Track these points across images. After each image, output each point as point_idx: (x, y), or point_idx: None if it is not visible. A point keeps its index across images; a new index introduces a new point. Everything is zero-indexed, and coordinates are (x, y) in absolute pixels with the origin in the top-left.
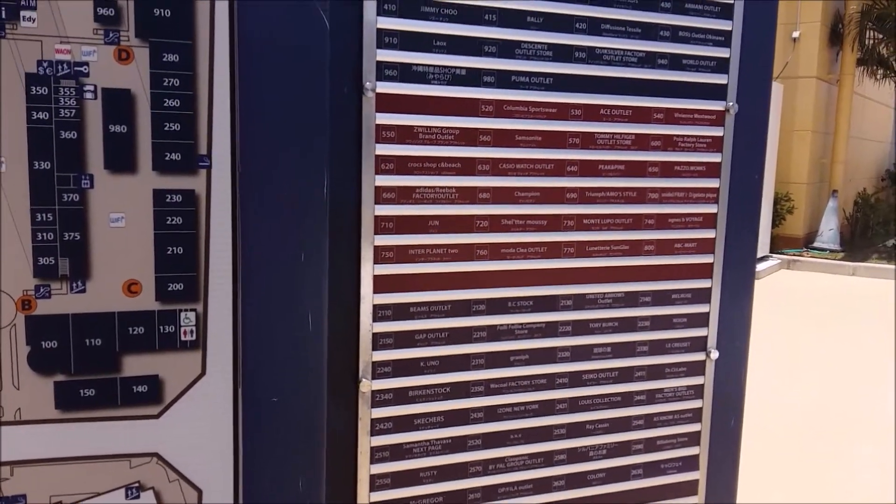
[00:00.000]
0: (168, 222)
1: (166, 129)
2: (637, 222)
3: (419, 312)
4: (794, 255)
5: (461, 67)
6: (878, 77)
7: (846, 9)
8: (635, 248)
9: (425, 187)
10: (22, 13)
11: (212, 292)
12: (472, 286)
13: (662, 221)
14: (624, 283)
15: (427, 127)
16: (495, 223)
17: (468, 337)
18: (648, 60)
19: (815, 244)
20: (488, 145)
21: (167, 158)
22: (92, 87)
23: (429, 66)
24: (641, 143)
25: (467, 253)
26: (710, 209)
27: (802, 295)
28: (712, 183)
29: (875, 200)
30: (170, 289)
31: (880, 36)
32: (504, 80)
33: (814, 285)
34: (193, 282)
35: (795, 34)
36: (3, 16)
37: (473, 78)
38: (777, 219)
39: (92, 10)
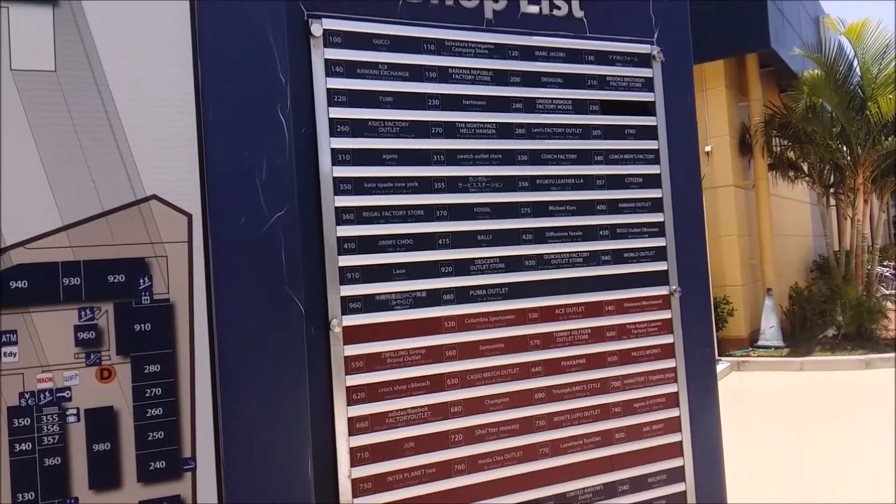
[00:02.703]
0: None
1: (150, 438)
2: (605, 412)
3: None
4: (741, 355)
5: (422, 290)
6: (791, 178)
7: (750, 120)
8: (607, 438)
9: (398, 410)
10: (3, 350)
11: None
12: (452, 501)
13: (629, 407)
14: (597, 476)
15: (394, 351)
16: (469, 435)
17: None
18: (593, 259)
19: (760, 343)
20: (454, 359)
21: (152, 468)
22: (75, 411)
23: (391, 293)
24: (598, 335)
25: (445, 470)
26: (671, 389)
27: (758, 395)
28: (669, 363)
29: (808, 293)
30: None
31: (786, 142)
32: (462, 295)
33: (766, 384)
34: None
35: (708, 148)
36: None
37: (434, 298)
38: (720, 322)
39: (73, 335)
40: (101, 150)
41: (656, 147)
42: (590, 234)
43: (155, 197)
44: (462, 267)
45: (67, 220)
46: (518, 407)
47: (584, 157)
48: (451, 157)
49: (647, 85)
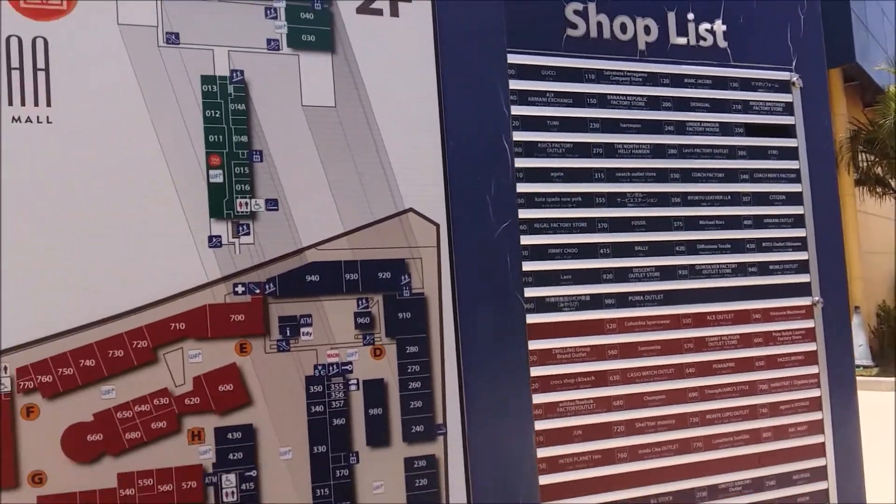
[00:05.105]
0: (416, 484)
1: (411, 406)
2: (753, 412)
3: None
4: None
5: (586, 294)
6: (879, 194)
7: (835, 136)
8: (755, 437)
9: (566, 401)
10: (302, 330)
11: None
12: (615, 488)
13: (775, 409)
14: (746, 471)
15: (563, 348)
16: (630, 427)
17: None
18: (741, 270)
19: None
20: (616, 358)
21: (413, 431)
22: (355, 381)
23: (559, 296)
24: (746, 341)
25: (609, 457)
26: (815, 393)
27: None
28: (812, 370)
29: None
30: None
31: (872, 157)
32: (622, 300)
33: (866, 404)
34: None
35: None
36: (288, 333)
37: (597, 302)
38: None
39: (353, 320)
40: (370, 172)
41: (797, 167)
42: (737, 247)
43: (411, 210)
44: (621, 275)
45: (347, 227)
46: (674, 404)
47: (731, 176)
48: (611, 175)
49: (788, 109)
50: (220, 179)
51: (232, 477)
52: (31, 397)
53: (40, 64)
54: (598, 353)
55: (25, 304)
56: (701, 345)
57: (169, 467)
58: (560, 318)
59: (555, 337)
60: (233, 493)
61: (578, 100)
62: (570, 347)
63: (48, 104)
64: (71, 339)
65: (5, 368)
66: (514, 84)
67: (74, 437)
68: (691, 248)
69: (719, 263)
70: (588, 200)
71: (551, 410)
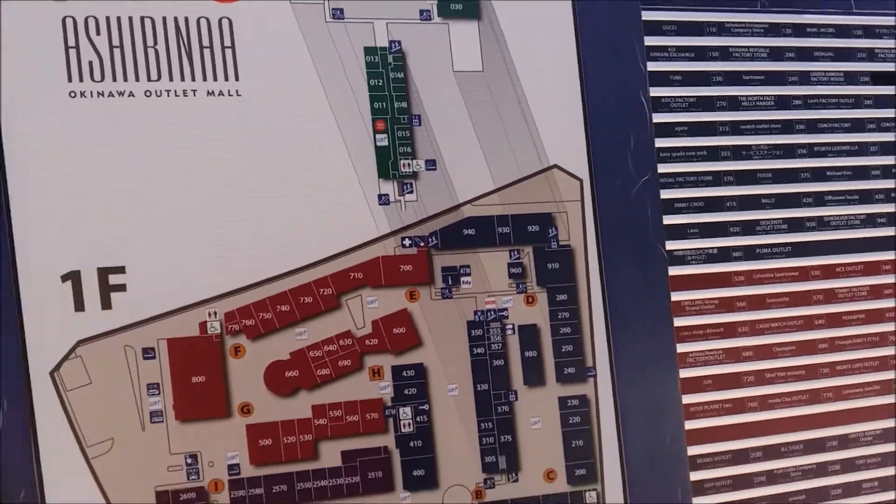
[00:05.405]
0: (570, 421)
1: (563, 350)
2: (884, 363)
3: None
4: None
5: (713, 248)
6: None
7: None
8: (885, 388)
9: (696, 352)
10: (462, 279)
11: (606, 476)
12: (746, 436)
13: None
14: (878, 421)
15: (691, 300)
16: (760, 377)
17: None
18: (869, 221)
19: None
20: (744, 310)
21: (565, 372)
22: (511, 326)
23: (687, 249)
24: (876, 292)
25: (739, 406)
26: None
27: None
28: None
29: None
30: (576, 474)
31: None
32: (750, 252)
33: None
34: (592, 468)
35: None
36: (450, 282)
37: (724, 255)
38: None
39: (506, 270)
40: (516, 131)
41: None
42: (866, 197)
43: (556, 166)
44: (748, 228)
45: (498, 184)
46: (803, 355)
47: (858, 126)
48: (735, 128)
49: None
50: (385, 143)
51: (408, 410)
52: (237, 338)
53: (227, 42)
54: (727, 305)
55: (231, 257)
56: (830, 296)
57: (354, 400)
58: (688, 272)
59: (683, 290)
60: (409, 423)
61: (700, 53)
62: (699, 300)
63: (236, 79)
64: (268, 287)
65: (215, 313)
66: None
67: (274, 374)
68: (819, 199)
69: (848, 215)
70: (713, 154)
71: (682, 361)
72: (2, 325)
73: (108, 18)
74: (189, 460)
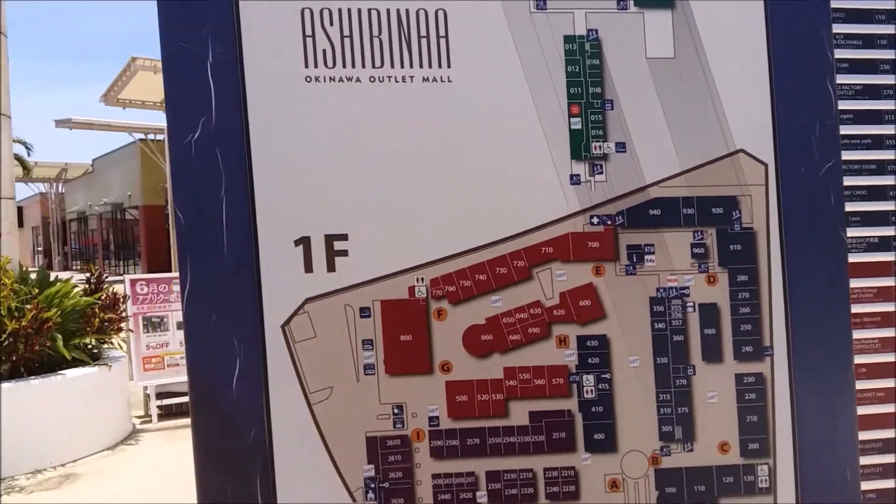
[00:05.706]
0: (745, 397)
1: (741, 329)
2: None
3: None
4: None
5: (874, 237)
6: None
7: None
8: None
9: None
10: (646, 257)
11: (778, 450)
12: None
13: None
14: None
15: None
16: None
17: None
18: None
19: None
20: None
21: (743, 351)
22: (692, 304)
23: (848, 237)
24: None
25: (892, 395)
26: None
27: None
28: None
29: None
30: (749, 448)
31: None
32: None
33: None
34: (765, 442)
35: None
36: (634, 259)
37: (885, 244)
38: None
39: (689, 250)
40: (704, 117)
41: None
42: None
43: (742, 151)
44: None
45: (684, 167)
46: None
47: None
48: None
49: None
50: (578, 126)
51: (591, 377)
52: (440, 303)
53: (441, 32)
54: (885, 294)
55: (435, 230)
56: None
57: (542, 365)
58: (849, 260)
59: None
60: (591, 391)
61: (868, 41)
62: (857, 288)
63: (448, 66)
64: (468, 257)
65: (423, 279)
66: None
67: (472, 336)
68: None
69: None
70: (877, 142)
71: None
72: (242, 282)
73: (339, 10)
74: (396, 410)
